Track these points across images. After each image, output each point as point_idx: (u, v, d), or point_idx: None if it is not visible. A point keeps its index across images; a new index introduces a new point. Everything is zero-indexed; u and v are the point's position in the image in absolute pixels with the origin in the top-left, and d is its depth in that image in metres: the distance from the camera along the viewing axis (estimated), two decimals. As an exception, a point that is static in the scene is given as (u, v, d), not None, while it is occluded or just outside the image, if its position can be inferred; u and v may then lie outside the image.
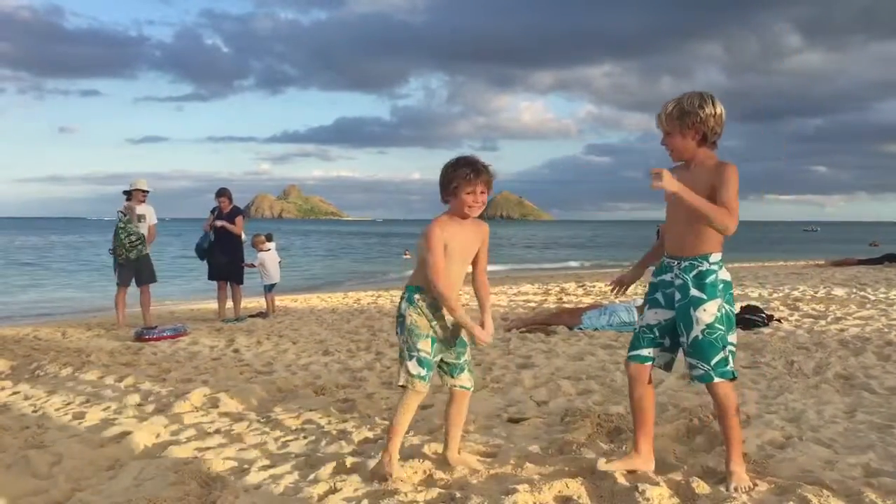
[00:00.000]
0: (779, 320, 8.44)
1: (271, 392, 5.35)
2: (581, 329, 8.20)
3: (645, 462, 3.30)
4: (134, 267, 9.81)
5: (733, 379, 3.13)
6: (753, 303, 9.84)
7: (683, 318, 3.13)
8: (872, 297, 10.86)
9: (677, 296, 3.15)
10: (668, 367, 3.37)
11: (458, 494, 3.06)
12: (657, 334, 3.26)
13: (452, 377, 3.47)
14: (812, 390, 5.03)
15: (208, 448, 3.97)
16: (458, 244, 3.31)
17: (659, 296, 3.24)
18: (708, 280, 3.09)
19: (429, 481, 3.32)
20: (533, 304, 11.50)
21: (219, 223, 10.44)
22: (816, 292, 11.84)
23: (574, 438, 3.82)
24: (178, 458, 3.75)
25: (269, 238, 11.61)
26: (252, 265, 11.03)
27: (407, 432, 4.13)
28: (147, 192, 10.04)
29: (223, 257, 10.54)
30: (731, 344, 3.12)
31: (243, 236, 10.84)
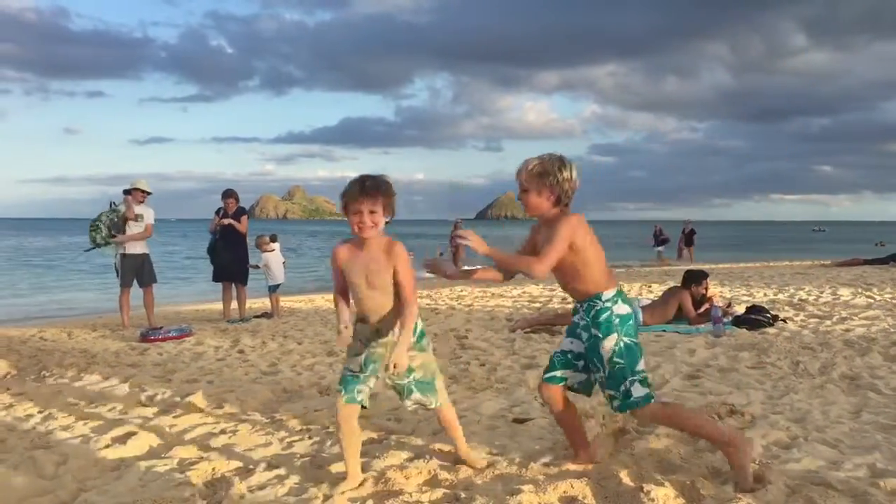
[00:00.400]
0: (784, 320, 8.42)
1: (276, 392, 5.35)
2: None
3: (590, 457, 3.47)
4: (134, 268, 9.83)
5: (649, 401, 3.18)
6: (759, 303, 9.82)
7: (593, 355, 3.24)
8: (878, 298, 10.83)
9: (584, 335, 3.27)
10: (583, 388, 3.43)
11: (462, 495, 3.07)
12: (570, 358, 3.37)
13: (402, 399, 3.41)
14: (817, 390, 5.02)
15: (213, 449, 3.98)
16: (359, 268, 3.24)
17: (575, 332, 3.36)
18: (602, 318, 3.20)
19: (433, 482, 3.33)
20: (537, 305, 11.49)
21: (226, 221, 10.46)
22: (822, 292, 11.81)
23: (579, 439, 3.81)
24: (183, 459, 3.76)
25: (273, 239, 11.61)
26: (257, 266, 11.05)
27: (410, 433, 4.14)
28: (148, 193, 10.02)
29: (227, 257, 10.56)
30: (638, 372, 3.18)
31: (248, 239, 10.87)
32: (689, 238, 27.36)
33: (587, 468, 3.37)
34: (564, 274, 3.28)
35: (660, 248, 27.89)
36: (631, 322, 3.23)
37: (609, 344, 3.17)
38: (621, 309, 3.22)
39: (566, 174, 3.24)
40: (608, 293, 3.23)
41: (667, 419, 3.23)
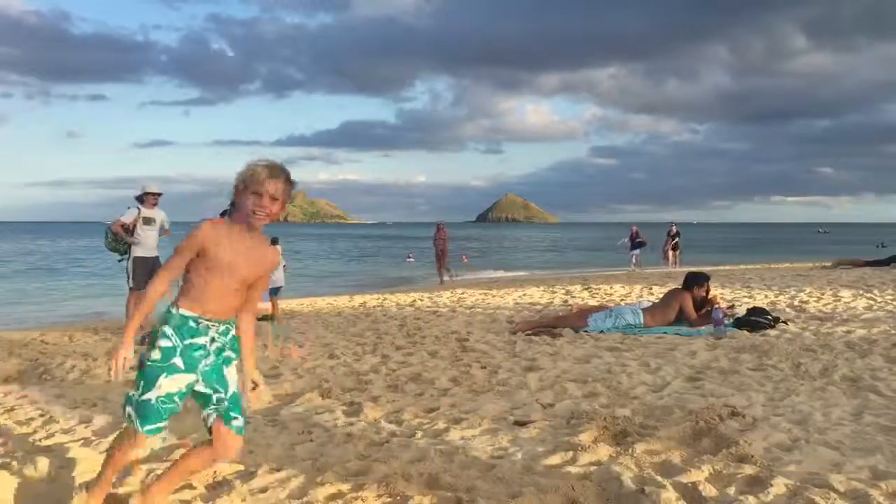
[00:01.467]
0: (785, 322, 8.42)
1: (278, 395, 5.36)
2: (587, 331, 8.19)
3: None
4: (146, 271, 9.86)
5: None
6: (759, 305, 9.82)
7: (219, 376, 2.98)
8: (879, 299, 10.82)
9: (211, 358, 2.97)
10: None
11: (464, 497, 3.07)
12: (178, 402, 2.94)
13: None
14: (819, 392, 5.02)
15: (215, 451, 3.97)
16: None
17: (184, 360, 2.93)
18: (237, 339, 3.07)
19: (435, 484, 3.32)
20: (539, 307, 11.49)
21: None
22: (823, 294, 11.81)
23: (580, 441, 3.82)
24: (184, 462, 3.75)
25: (274, 242, 11.63)
26: None
27: (413, 435, 4.14)
28: (159, 194, 10.04)
29: None
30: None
31: None
32: (674, 241, 26.14)
33: (588, 471, 3.37)
34: (238, 291, 2.99)
35: (635, 252, 25.91)
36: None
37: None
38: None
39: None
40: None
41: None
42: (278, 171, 2.92)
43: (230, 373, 3.02)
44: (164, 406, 2.88)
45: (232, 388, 3.00)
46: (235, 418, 2.98)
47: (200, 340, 2.94)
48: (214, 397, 2.96)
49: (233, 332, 3.04)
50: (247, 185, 2.88)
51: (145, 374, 2.92)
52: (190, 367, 2.91)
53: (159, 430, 2.92)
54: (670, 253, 26.04)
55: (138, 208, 9.86)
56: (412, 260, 39.08)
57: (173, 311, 2.93)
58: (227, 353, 3.02)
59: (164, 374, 2.89)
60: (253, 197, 2.87)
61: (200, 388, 2.95)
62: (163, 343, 2.91)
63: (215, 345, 2.99)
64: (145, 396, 2.89)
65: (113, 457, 3.03)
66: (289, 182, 2.95)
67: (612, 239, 31.58)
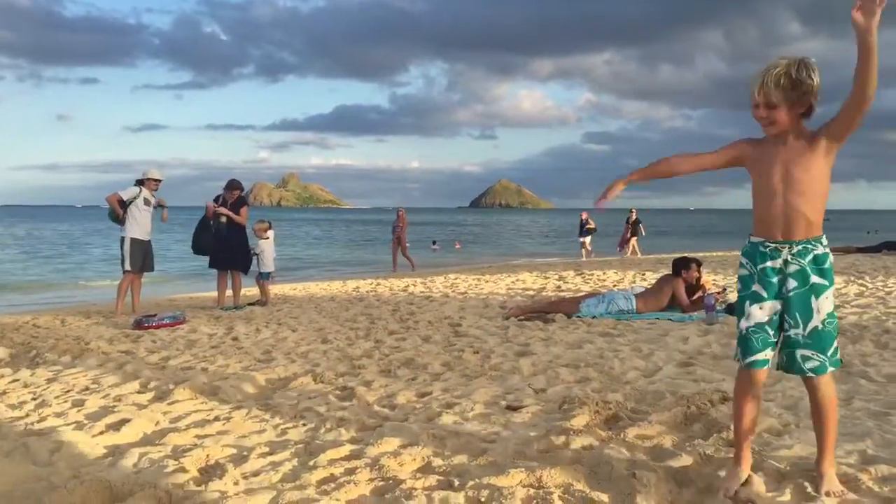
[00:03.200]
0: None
1: (270, 380, 5.36)
2: (579, 317, 8.21)
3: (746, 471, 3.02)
4: (142, 253, 9.89)
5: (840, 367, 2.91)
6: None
7: (801, 307, 2.82)
8: (870, 286, 10.87)
9: (791, 283, 2.83)
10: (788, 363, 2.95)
11: (456, 481, 3.08)
12: (770, 333, 2.88)
13: None
14: (809, 378, 5.04)
15: (207, 435, 3.98)
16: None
17: (768, 285, 2.87)
18: (826, 265, 2.83)
19: (427, 468, 3.34)
20: (531, 293, 11.51)
21: (223, 210, 10.42)
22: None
23: (572, 425, 3.83)
24: (177, 446, 3.76)
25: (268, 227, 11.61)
26: (255, 254, 11.04)
27: (404, 420, 4.15)
28: (160, 181, 10.11)
29: (235, 247, 10.55)
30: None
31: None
32: (634, 228, 25.13)
33: (580, 455, 3.38)
34: (803, 189, 2.80)
35: (584, 239, 25.08)
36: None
37: (831, 295, 2.81)
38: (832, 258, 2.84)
39: (817, 79, 2.79)
40: (825, 238, 2.85)
41: (831, 401, 2.91)
42: (759, 77, 2.79)
43: (817, 304, 2.81)
44: (755, 336, 2.86)
45: (813, 323, 2.81)
46: (807, 359, 2.83)
47: (771, 264, 2.85)
48: (791, 332, 2.85)
49: (817, 252, 2.82)
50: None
51: (738, 304, 2.96)
52: (771, 294, 2.86)
53: (760, 362, 2.88)
54: (630, 242, 24.96)
55: (140, 189, 9.92)
56: (407, 245, 39.08)
57: (749, 239, 2.94)
58: (814, 278, 2.81)
59: (749, 302, 2.89)
60: (752, 109, 2.84)
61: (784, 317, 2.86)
62: (740, 272, 2.95)
63: (792, 267, 2.83)
64: (740, 326, 2.92)
65: (740, 410, 2.99)
66: (784, 80, 2.74)
67: (605, 225, 31.30)
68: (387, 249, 21.47)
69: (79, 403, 4.78)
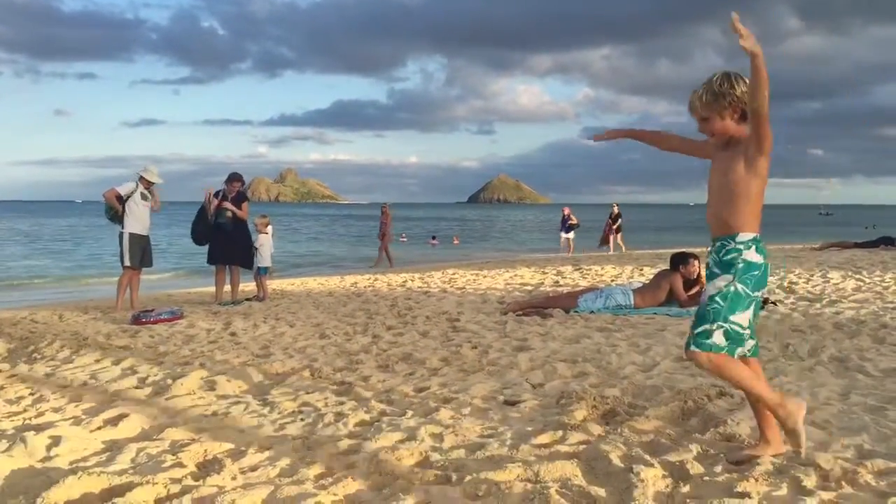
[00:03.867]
0: (774, 303, 8.46)
1: (268, 375, 5.36)
2: (577, 312, 8.22)
3: (777, 447, 3.24)
4: (141, 249, 9.88)
5: (719, 352, 3.03)
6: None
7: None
8: (868, 281, 10.88)
9: (709, 275, 3.19)
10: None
11: (454, 476, 3.08)
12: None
13: None
14: (807, 373, 5.05)
15: (205, 430, 3.98)
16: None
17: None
18: (728, 258, 3.08)
19: (425, 463, 3.34)
20: (529, 288, 11.51)
21: (228, 205, 10.40)
22: (812, 275, 11.86)
23: (570, 420, 3.84)
24: (175, 441, 3.76)
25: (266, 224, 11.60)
26: (255, 247, 11.02)
27: (402, 414, 4.15)
28: (151, 183, 10.04)
29: (236, 242, 10.54)
30: (728, 322, 3.03)
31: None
32: (614, 224, 24.49)
33: (577, 450, 3.39)
34: (723, 193, 3.11)
35: (567, 235, 24.49)
36: (756, 274, 3.07)
37: (721, 283, 3.06)
38: (752, 256, 3.06)
39: (741, 87, 3.07)
40: (744, 236, 3.08)
41: (725, 377, 3.12)
42: (691, 96, 3.19)
43: (707, 287, 3.14)
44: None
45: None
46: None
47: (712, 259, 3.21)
48: None
49: (729, 247, 3.10)
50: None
51: None
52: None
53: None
54: (611, 237, 24.45)
55: (136, 183, 9.91)
56: (405, 240, 39.05)
57: None
58: (715, 268, 3.13)
59: None
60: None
61: None
62: None
63: (711, 261, 3.19)
64: None
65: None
66: (704, 92, 3.13)
67: (586, 220, 31.08)
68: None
69: (76, 398, 4.78)
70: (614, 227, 24.40)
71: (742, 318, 3.04)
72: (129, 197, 9.79)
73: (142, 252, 9.95)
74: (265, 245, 11.11)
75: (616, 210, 24.72)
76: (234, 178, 10.69)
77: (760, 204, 3.11)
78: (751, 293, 3.05)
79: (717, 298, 3.03)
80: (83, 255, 28.90)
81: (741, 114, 3.08)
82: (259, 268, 11.08)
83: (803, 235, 36.63)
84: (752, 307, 3.07)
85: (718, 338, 3.01)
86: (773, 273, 12.26)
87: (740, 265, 3.04)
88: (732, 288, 3.03)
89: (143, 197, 9.94)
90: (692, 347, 3.05)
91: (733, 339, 3.03)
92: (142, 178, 9.96)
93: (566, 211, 24.90)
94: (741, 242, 3.06)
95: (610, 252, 23.32)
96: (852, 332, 6.48)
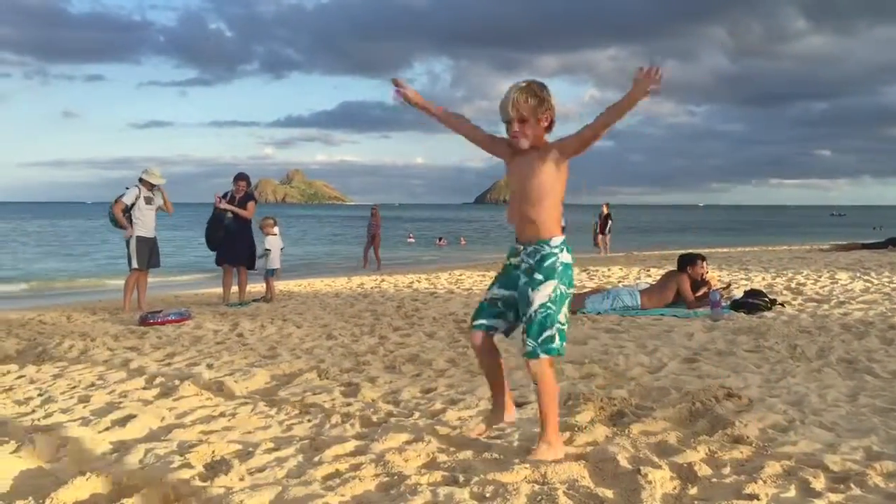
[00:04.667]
0: (782, 304, 8.44)
1: (275, 376, 5.37)
2: (584, 313, 8.21)
3: (508, 414, 3.58)
4: (148, 250, 9.90)
5: (559, 355, 3.27)
6: (757, 287, 9.84)
7: (523, 299, 3.26)
8: (876, 282, 10.84)
9: (522, 279, 3.28)
10: (507, 332, 3.54)
11: (461, 477, 3.08)
12: (499, 305, 3.43)
13: None
14: (815, 374, 5.03)
15: (213, 431, 3.99)
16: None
17: (510, 277, 3.39)
18: (547, 263, 3.21)
19: (432, 464, 3.34)
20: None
21: (227, 206, 10.41)
22: (820, 276, 11.82)
23: (577, 422, 3.83)
24: (182, 441, 3.77)
25: (273, 223, 11.61)
26: (267, 250, 11.02)
27: (408, 415, 4.15)
28: (153, 185, 10.02)
29: (240, 243, 10.56)
30: (561, 323, 3.24)
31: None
32: (603, 224, 24.19)
33: (585, 451, 3.39)
34: (532, 196, 3.25)
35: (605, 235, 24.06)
36: (571, 273, 3.28)
37: (547, 289, 3.19)
38: (566, 258, 3.26)
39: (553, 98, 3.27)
40: (556, 240, 3.26)
41: (545, 383, 3.31)
42: (512, 91, 3.21)
43: (532, 295, 3.23)
44: (483, 306, 3.49)
45: (528, 312, 3.24)
46: (524, 343, 3.29)
47: (513, 261, 3.38)
48: (522, 320, 3.31)
49: (543, 252, 3.24)
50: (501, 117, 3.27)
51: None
52: (510, 285, 3.38)
53: (478, 326, 3.45)
54: (600, 238, 24.14)
55: (138, 187, 9.90)
56: (412, 240, 39.08)
57: None
58: (535, 275, 3.23)
59: (490, 286, 3.51)
60: (506, 127, 3.28)
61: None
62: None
63: (523, 265, 3.31)
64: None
65: (479, 364, 3.67)
66: (528, 94, 3.20)
67: (576, 221, 30.88)
68: (390, 246, 21.43)
69: (85, 399, 4.79)
70: (604, 228, 24.05)
71: (564, 316, 3.25)
72: (132, 205, 9.79)
73: (149, 253, 9.98)
74: (273, 247, 11.13)
75: (605, 210, 24.36)
76: (241, 178, 10.71)
77: (562, 207, 3.32)
78: (567, 291, 3.24)
79: (549, 304, 3.17)
80: (101, 256, 29.00)
81: (550, 123, 3.25)
82: (267, 269, 11.10)
83: (815, 236, 36.48)
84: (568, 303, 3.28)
85: (557, 340, 3.22)
86: (780, 274, 12.22)
87: (560, 268, 3.19)
88: (559, 291, 3.19)
89: (147, 201, 9.92)
90: (542, 355, 3.20)
91: (563, 337, 3.25)
92: (143, 181, 9.96)
93: (606, 207, 24.56)
94: (556, 246, 3.20)
95: (601, 254, 23.05)
96: (860, 334, 6.46)
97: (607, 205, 24.78)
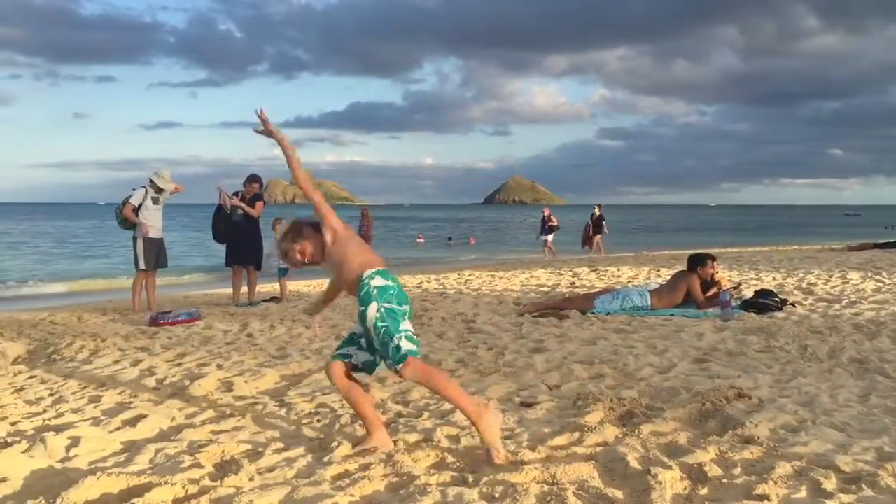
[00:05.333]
0: (793, 304, 8.40)
1: (285, 376, 5.38)
2: (594, 313, 8.19)
3: (382, 441, 3.60)
4: (155, 251, 9.93)
5: (416, 355, 3.44)
6: (767, 287, 9.79)
7: (363, 328, 3.56)
8: (888, 282, 10.78)
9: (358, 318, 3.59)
10: (366, 367, 3.72)
11: (470, 478, 3.08)
12: (355, 337, 3.73)
13: None
14: (826, 374, 5.01)
15: (223, 431, 4.00)
16: None
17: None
18: (362, 293, 3.51)
19: (441, 465, 3.34)
20: (545, 289, 11.49)
21: (237, 202, 10.44)
22: (831, 276, 11.76)
23: (586, 422, 3.83)
24: (193, 441, 3.78)
25: (278, 222, 11.63)
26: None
27: (418, 416, 4.15)
28: (162, 189, 9.98)
29: (250, 244, 10.59)
30: (403, 331, 3.44)
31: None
32: (597, 225, 23.62)
33: (594, 452, 3.38)
34: (336, 269, 3.69)
35: (546, 237, 23.52)
36: (391, 292, 3.51)
37: (371, 312, 3.44)
38: (379, 282, 3.52)
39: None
40: (366, 273, 3.55)
41: (428, 377, 3.46)
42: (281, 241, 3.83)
43: (365, 325, 3.53)
44: (346, 339, 3.83)
45: (373, 337, 3.52)
46: (384, 360, 3.56)
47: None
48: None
49: (359, 287, 3.56)
50: None
51: None
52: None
53: (336, 356, 3.76)
54: (593, 239, 23.57)
55: (145, 188, 9.92)
56: (422, 241, 39.09)
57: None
58: (360, 307, 3.55)
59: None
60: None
61: None
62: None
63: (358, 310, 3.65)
64: None
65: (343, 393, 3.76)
66: (284, 242, 3.78)
67: (622, 222, 30.95)
68: (399, 245, 21.36)
69: (95, 399, 4.82)
70: (597, 228, 23.59)
71: (408, 325, 3.49)
72: (140, 205, 9.82)
73: (156, 254, 10.00)
74: None
75: (598, 212, 23.95)
76: (254, 179, 10.76)
77: (356, 246, 3.66)
78: (399, 307, 3.49)
79: (378, 322, 3.42)
80: (119, 257, 29.18)
81: (314, 228, 3.71)
82: (279, 268, 11.12)
83: (830, 237, 36.27)
84: (408, 317, 3.52)
85: (406, 344, 3.39)
86: (791, 274, 12.16)
87: (374, 291, 3.48)
88: (382, 308, 3.44)
89: (154, 201, 9.93)
90: (399, 365, 3.38)
91: (413, 340, 3.46)
92: (152, 183, 9.98)
93: (546, 212, 24.18)
94: (366, 277, 3.53)
95: (591, 254, 22.77)
96: (872, 334, 6.42)
97: (599, 206, 24.36)
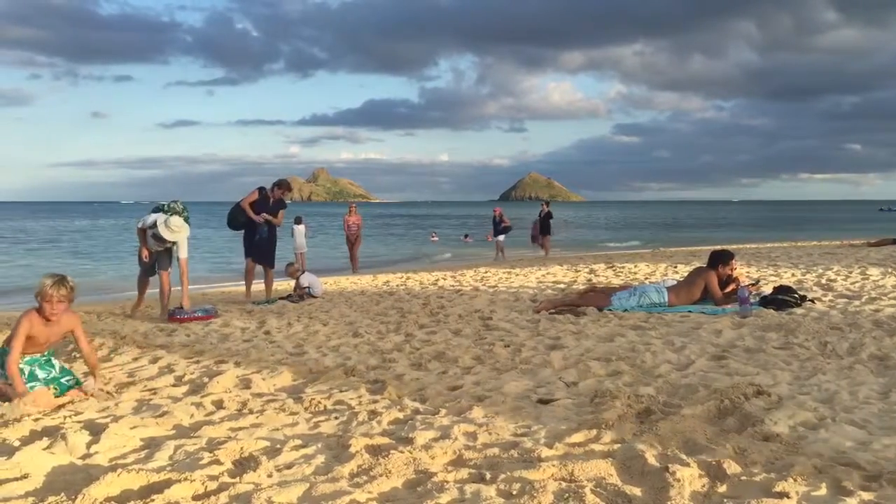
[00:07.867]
0: (812, 300, 8.34)
1: (302, 373, 5.40)
2: (611, 310, 8.16)
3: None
4: (168, 252, 9.92)
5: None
6: (786, 283, 9.72)
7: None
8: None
9: None
10: None
11: (487, 475, 3.08)
12: None
13: None
14: (846, 371, 4.97)
15: (241, 428, 4.02)
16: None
17: None
18: None
19: (459, 461, 3.34)
20: (562, 286, 11.46)
21: (266, 216, 10.67)
22: (851, 272, 11.66)
23: (604, 419, 3.81)
24: (212, 438, 3.80)
25: (297, 221, 11.69)
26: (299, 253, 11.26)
27: (436, 412, 4.16)
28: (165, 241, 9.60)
29: (268, 244, 10.88)
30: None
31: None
32: (544, 224, 23.15)
33: (612, 449, 3.37)
34: None
35: (499, 238, 22.83)
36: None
37: None
38: None
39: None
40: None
41: None
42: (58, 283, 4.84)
43: None
44: None
45: None
46: None
47: None
48: None
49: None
50: (39, 294, 4.85)
51: None
52: None
53: None
54: (540, 238, 23.23)
55: (155, 223, 9.38)
56: (436, 238, 39.10)
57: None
58: None
59: None
60: (46, 305, 4.84)
61: None
62: None
63: None
64: None
65: None
66: (66, 288, 4.88)
67: (637, 218, 30.84)
68: (413, 244, 21.30)
69: (115, 396, 4.85)
70: (544, 228, 23.12)
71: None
72: (148, 227, 9.71)
73: (168, 256, 9.74)
74: (300, 243, 11.25)
75: (546, 209, 23.39)
76: (283, 185, 11.01)
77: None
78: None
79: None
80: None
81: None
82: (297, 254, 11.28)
83: (858, 233, 35.85)
84: None
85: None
86: (810, 270, 12.07)
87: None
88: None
89: (157, 238, 9.44)
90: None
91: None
92: (166, 211, 9.70)
93: (497, 212, 23.48)
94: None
95: (541, 252, 22.42)
96: (892, 330, 6.36)
97: (547, 203, 23.80)
